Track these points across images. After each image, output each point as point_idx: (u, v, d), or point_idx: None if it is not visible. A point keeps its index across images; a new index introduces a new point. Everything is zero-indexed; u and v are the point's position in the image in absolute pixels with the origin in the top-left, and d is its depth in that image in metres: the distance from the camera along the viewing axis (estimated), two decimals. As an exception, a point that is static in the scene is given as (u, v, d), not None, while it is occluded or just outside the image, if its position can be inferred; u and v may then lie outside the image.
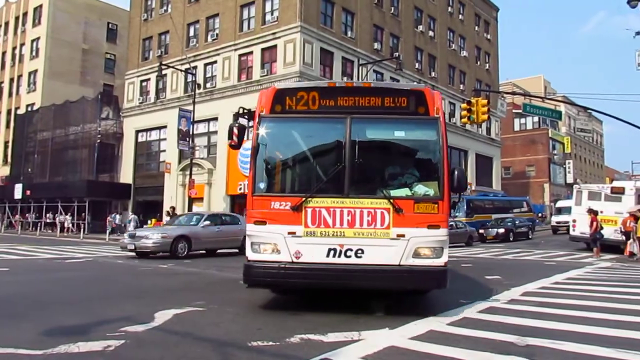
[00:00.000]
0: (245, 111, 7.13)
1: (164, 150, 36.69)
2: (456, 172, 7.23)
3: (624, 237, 19.64)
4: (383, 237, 6.84)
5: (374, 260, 6.83)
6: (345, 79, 32.32)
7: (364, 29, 34.53)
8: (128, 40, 41.72)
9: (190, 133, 30.32)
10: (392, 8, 37.26)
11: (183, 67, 32.93)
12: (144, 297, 8.81)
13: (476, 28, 48.45)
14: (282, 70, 30.28)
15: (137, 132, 39.02)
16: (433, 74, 41.05)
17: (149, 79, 38.34)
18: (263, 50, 31.67)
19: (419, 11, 40.52)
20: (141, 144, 39.25)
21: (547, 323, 6.64)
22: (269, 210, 6.96)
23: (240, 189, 31.31)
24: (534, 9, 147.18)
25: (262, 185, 7.18)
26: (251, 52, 32.25)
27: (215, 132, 33.53)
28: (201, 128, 33.80)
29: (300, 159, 7.55)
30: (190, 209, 30.23)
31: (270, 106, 7.30)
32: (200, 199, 32.53)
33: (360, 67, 31.62)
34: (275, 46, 31.01)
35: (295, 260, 6.87)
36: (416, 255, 6.83)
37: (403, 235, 6.82)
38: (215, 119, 33.23)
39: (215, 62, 34.15)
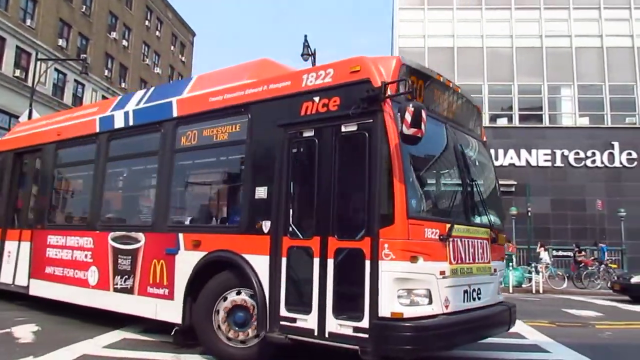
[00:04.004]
0: (409, 89, 4.74)
1: None
2: None
3: None
4: (488, 273, 5.81)
5: (486, 301, 5.70)
6: (18, 72, 28.25)
7: (48, 21, 30.96)
8: None
9: None
10: (84, 7, 34.54)
11: None
12: None
13: (172, 48, 48.98)
14: None
15: None
16: (123, 85, 39.52)
17: None
18: None
19: (114, 17, 38.67)
20: None
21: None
22: (423, 241, 4.85)
23: None
24: (234, 45, 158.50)
25: (414, 204, 4.91)
26: None
27: None
28: None
29: (436, 170, 5.78)
30: None
31: (396, 85, 5.00)
32: None
33: (39, 62, 28.05)
34: None
35: (445, 310, 4.95)
36: (498, 292, 6.19)
37: (495, 270, 5.99)
38: None
39: None
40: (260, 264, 5.44)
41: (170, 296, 6.25)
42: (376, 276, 4.64)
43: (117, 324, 7.40)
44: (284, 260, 5.29)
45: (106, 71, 37.22)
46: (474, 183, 5.81)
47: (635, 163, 28.33)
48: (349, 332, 4.75)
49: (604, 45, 30.02)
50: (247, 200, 5.84)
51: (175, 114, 6.96)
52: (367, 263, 4.71)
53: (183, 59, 51.63)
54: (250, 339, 5.58)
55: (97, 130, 8.13)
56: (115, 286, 7.02)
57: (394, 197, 4.70)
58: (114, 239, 7.21)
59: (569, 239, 25.80)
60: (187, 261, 6.12)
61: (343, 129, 5.08)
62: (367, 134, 4.97)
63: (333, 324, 4.86)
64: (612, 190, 27.91)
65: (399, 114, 4.70)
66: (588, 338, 8.41)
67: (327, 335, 4.89)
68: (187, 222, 6.80)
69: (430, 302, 4.83)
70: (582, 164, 28.50)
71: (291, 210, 5.42)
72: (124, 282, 6.92)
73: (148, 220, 7.20)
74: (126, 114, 7.80)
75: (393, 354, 4.64)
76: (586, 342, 7.72)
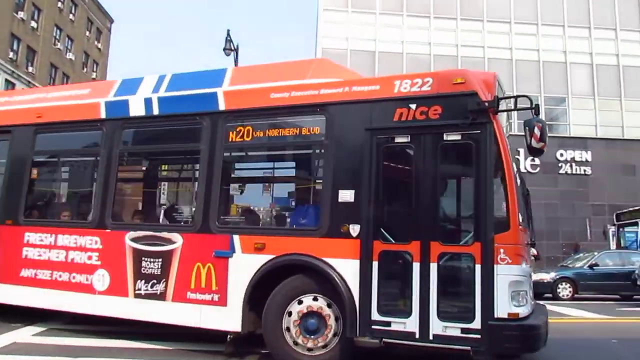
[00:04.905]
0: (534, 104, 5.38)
1: None
2: None
3: None
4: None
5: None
6: None
7: (-55, -5, 28.40)
8: None
9: None
10: (-12, -18, 32.02)
11: None
12: None
13: (87, 33, 46.42)
14: None
15: None
16: (31, 69, 36.93)
17: None
18: None
19: (23, -4, 36.12)
20: None
21: (101, 341, 6.59)
22: (524, 246, 5.30)
23: None
24: (159, 35, 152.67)
25: (519, 212, 5.21)
26: None
27: None
28: None
29: (515, 179, 5.63)
30: None
31: (513, 101, 5.48)
32: None
33: None
34: None
35: (531, 310, 5.31)
36: None
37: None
38: None
39: None
40: (347, 268, 5.38)
41: (221, 302, 5.86)
42: (491, 279, 4.86)
43: (12, 327, 6.96)
44: (375, 264, 5.30)
45: (11, 53, 34.56)
46: (522, 190, 6.21)
47: (538, 169, 30.36)
48: (456, 333, 4.93)
49: (513, 58, 31.95)
50: (328, 202, 5.67)
51: (222, 107, 6.48)
52: (478, 267, 4.93)
53: (99, 45, 49.09)
54: (329, 344, 5.48)
55: (103, 116, 7.20)
56: (138, 292, 6.36)
57: (509, 204, 5.00)
58: (135, 240, 6.52)
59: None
60: (246, 265, 5.80)
61: (445, 137, 5.25)
62: (473, 144, 5.16)
63: (438, 326, 4.99)
64: (516, 194, 29.74)
65: (526, 128, 5.18)
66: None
67: (431, 338, 5.01)
68: (245, 223, 6.52)
69: (527, 302, 5.12)
70: (490, 168, 30.13)
71: (383, 215, 5.47)
72: (151, 287, 6.28)
73: (187, 219, 6.73)
74: (147, 101, 6.97)
75: (507, 352, 5.03)
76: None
